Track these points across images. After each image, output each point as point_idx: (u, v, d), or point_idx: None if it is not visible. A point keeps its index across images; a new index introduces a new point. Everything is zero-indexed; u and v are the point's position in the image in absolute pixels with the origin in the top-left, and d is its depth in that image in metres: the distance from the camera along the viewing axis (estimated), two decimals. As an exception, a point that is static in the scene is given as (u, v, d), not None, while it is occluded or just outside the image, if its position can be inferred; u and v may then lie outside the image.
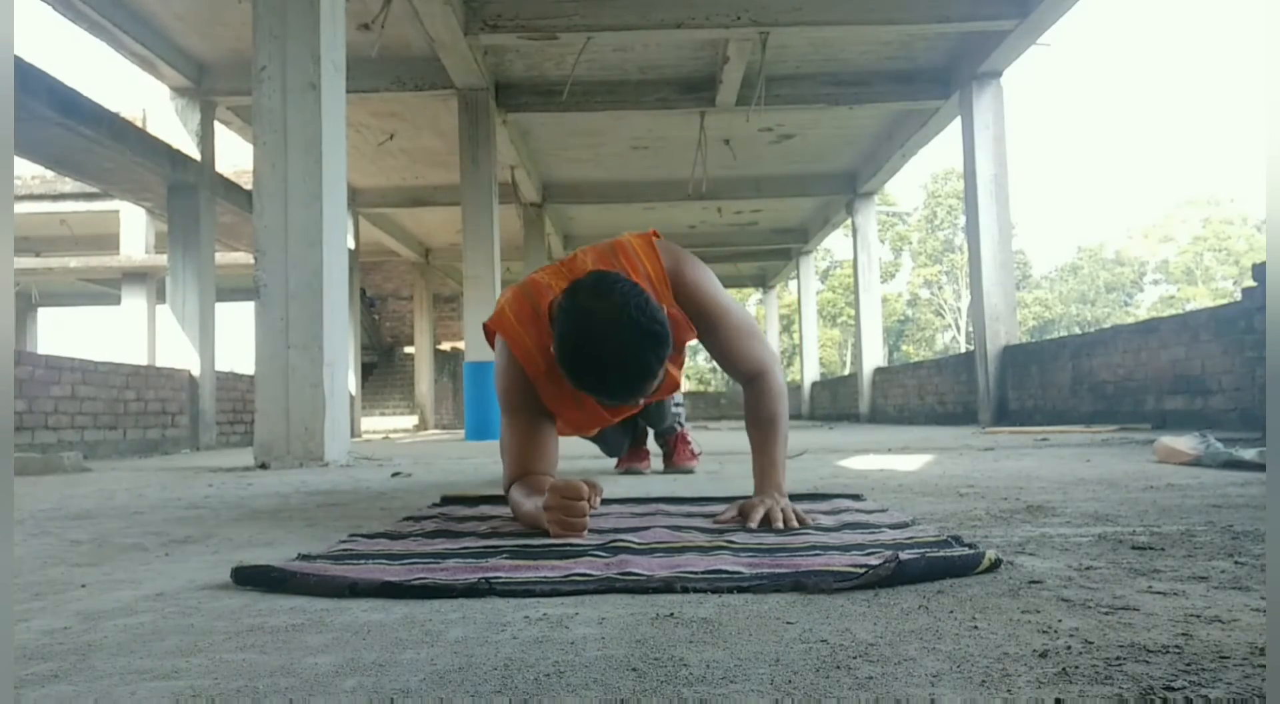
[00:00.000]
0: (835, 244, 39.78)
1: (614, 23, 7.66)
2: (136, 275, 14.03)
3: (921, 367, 11.74)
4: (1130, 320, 24.72)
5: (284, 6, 4.48)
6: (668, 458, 3.16)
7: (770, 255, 18.39)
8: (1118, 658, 0.73)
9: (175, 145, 8.57)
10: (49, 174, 12.63)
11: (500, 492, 2.26)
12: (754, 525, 1.50)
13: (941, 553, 1.15)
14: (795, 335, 26.31)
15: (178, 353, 8.63)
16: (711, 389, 36.32)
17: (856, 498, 1.95)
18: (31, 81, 6.42)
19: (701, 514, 1.71)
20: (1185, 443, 2.90)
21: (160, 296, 13.67)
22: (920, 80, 9.47)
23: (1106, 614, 0.89)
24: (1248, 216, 41.33)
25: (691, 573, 1.10)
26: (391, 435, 13.24)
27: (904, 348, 41.60)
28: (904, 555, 1.10)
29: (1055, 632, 0.82)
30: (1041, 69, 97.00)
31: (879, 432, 8.17)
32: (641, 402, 2.09)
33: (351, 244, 12.95)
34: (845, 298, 36.82)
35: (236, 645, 0.85)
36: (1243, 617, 0.86)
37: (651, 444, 3.24)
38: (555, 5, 7.59)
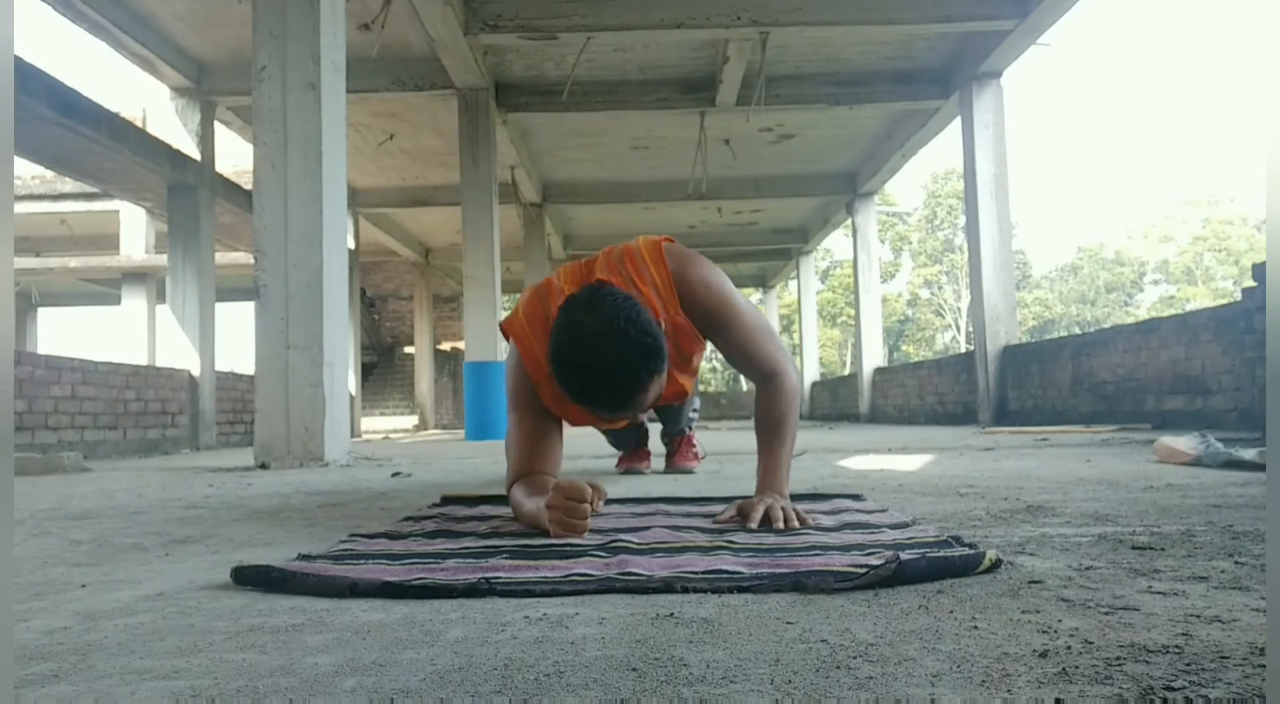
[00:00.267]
0: (835, 244, 39.81)
1: (614, 23, 7.66)
2: (136, 275, 14.03)
3: (921, 366, 11.74)
4: (1130, 320, 24.72)
5: (284, 6, 4.48)
6: (670, 458, 3.17)
7: (770, 255, 18.40)
8: (1118, 658, 0.73)
9: (175, 145, 8.57)
10: (49, 174, 12.63)
11: (501, 492, 2.26)
12: (754, 525, 1.50)
13: (941, 553, 1.15)
14: (795, 335, 26.30)
15: (178, 353, 8.63)
16: (712, 389, 36.31)
17: (856, 498, 1.95)
18: (31, 81, 6.42)
19: (701, 514, 1.71)
20: (1185, 443, 2.90)
21: (160, 296, 13.68)
22: (920, 80, 9.47)
23: (1106, 614, 0.89)
24: (1248, 216, 41.34)
25: (691, 573, 1.10)
26: (391, 435, 13.24)
27: (904, 348, 41.60)
28: (904, 555, 1.10)
29: (1055, 632, 0.82)
30: (1041, 69, 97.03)
31: (879, 431, 8.17)
32: (640, 415, 2.09)
33: (351, 244, 12.96)
34: (845, 298, 36.82)
35: (236, 645, 0.85)
36: (1243, 617, 0.86)
37: (653, 444, 3.24)
38: (555, 5, 7.59)
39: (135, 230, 13.66)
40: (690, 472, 3.08)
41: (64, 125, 6.86)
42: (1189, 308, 22.18)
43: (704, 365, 43.05)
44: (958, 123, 9.19)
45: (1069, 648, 0.77)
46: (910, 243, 41.58)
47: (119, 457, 6.72)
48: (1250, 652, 0.74)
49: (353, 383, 13.03)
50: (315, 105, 4.45)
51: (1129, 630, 0.82)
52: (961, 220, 35.85)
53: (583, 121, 10.06)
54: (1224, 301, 12.39)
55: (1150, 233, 45.12)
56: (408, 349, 19.85)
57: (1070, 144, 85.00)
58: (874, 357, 13.81)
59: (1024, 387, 8.19)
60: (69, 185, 12.97)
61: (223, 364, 9.82)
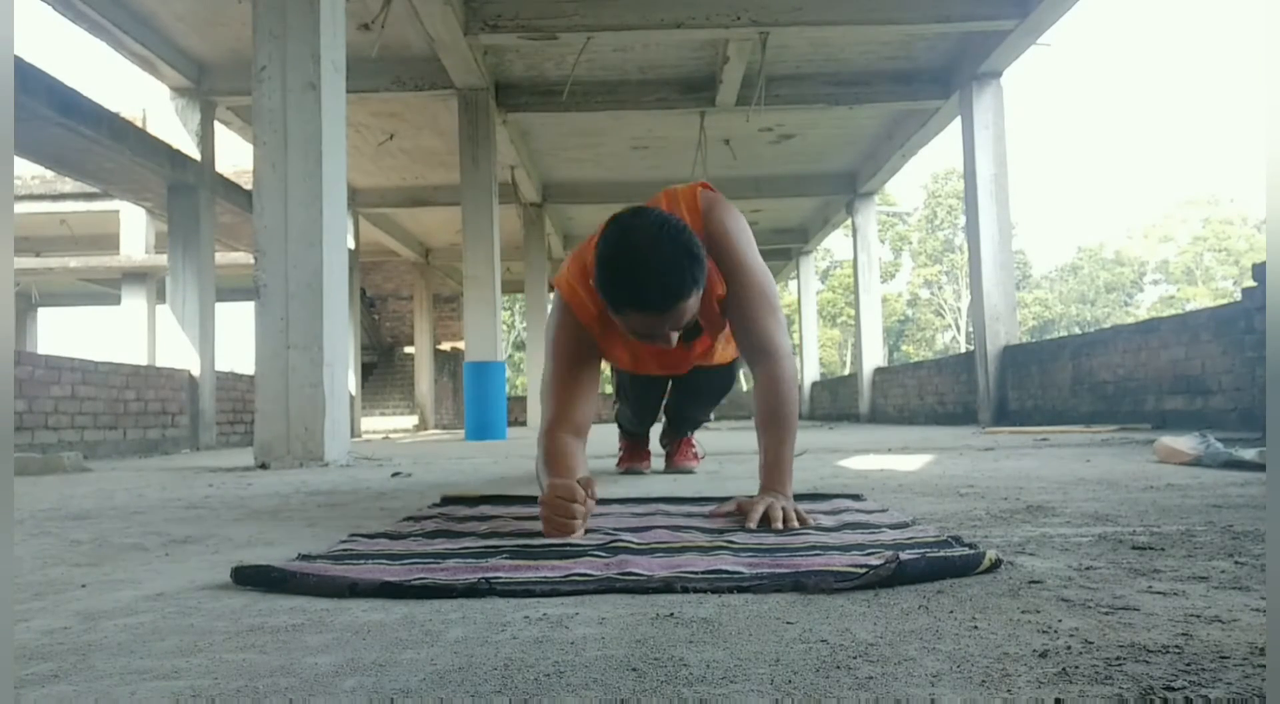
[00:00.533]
0: (835, 244, 39.81)
1: (614, 23, 7.66)
2: (136, 275, 14.03)
3: (921, 367, 11.74)
4: (1130, 320, 24.71)
5: (284, 6, 4.48)
6: (669, 458, 3.17)
7: (770, 255, 18.38)
8: (1118, 658, 0.73)
9: (175, 145, 8.57)
10: (49, 174, 12.63)
11: (501, 491, 2.26)
12: (753, 525, 1.50)
13: (941, 553, 1.15)
14: (795, 335, 26.30)
15: (178, 353, 8.63)
16: (711, 389, 36.22)
17: (857, 498, 1.95)
18: (31, 81, 6.42)
19: (701, 514, 1.71)
20: (1185, 443, 2.90)
21: (160, 296, 13.68)
22: (920, 80, 9.47)
23: (1106, 614, 0.89)
24: (1248, 216, 41.34)
25: (691, 573, 1.10)
26: (391, 435, 13.24)
27: (904, 348, 41.60)
28: (904, 555, 1.10)
29: (1055, 632, 0.82)
30: (1041, 69, 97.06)
31: (879, 431, 8.17)
32: (687, 353, 2.19)
33: (351, 244, 12.95)
34: (845, 298, 36.82)
35: (236, 645, 0.85)
36: (1243, 617, 0.86)
37: (653, 445, 3.25)
38: (555, 5, 7.59)
39: (135, 230, 13.67)
40: (690, 471, 3.09)
41: (64, 125, 6.86)
42: (1189, 308, 22.19)
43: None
44: (958, 123, 9.19)
45: (1069, 648, 0.77)
46: (910, 243, 41.58)
47: (119, 457, 6.72)
48: (1250, 652, 0.74)
49: (353, 383, 13.03)
50: (315, 105, 4.45)
51: (1129, 630, 0.82)
52: (961, 220, 35.84)
53: (583, 121, 10.07)
54: (1224, 301, 12.39)
55: (1150, 233, 45.12)
56: (408, 349, 19.85)
57: (1070, 144, 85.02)
58: (874, 357, 13.81)
59: (1024, 387, 8.19)
60: (69, 185, 12.97)
61: (223, 364, 9.82)
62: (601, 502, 1.96)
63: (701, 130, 10.16)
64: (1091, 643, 0.78)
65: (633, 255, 1.58)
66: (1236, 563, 1.14)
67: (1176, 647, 0.76)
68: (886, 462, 3.53)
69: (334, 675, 0.74)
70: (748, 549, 1.27)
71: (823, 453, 4.36)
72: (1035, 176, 76.87)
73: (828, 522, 1.55)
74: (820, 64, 9.21)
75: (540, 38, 7.81)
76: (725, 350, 2.43)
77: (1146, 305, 43.32)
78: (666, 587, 1.05)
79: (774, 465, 1.69)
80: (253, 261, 4.50)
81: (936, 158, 56.44)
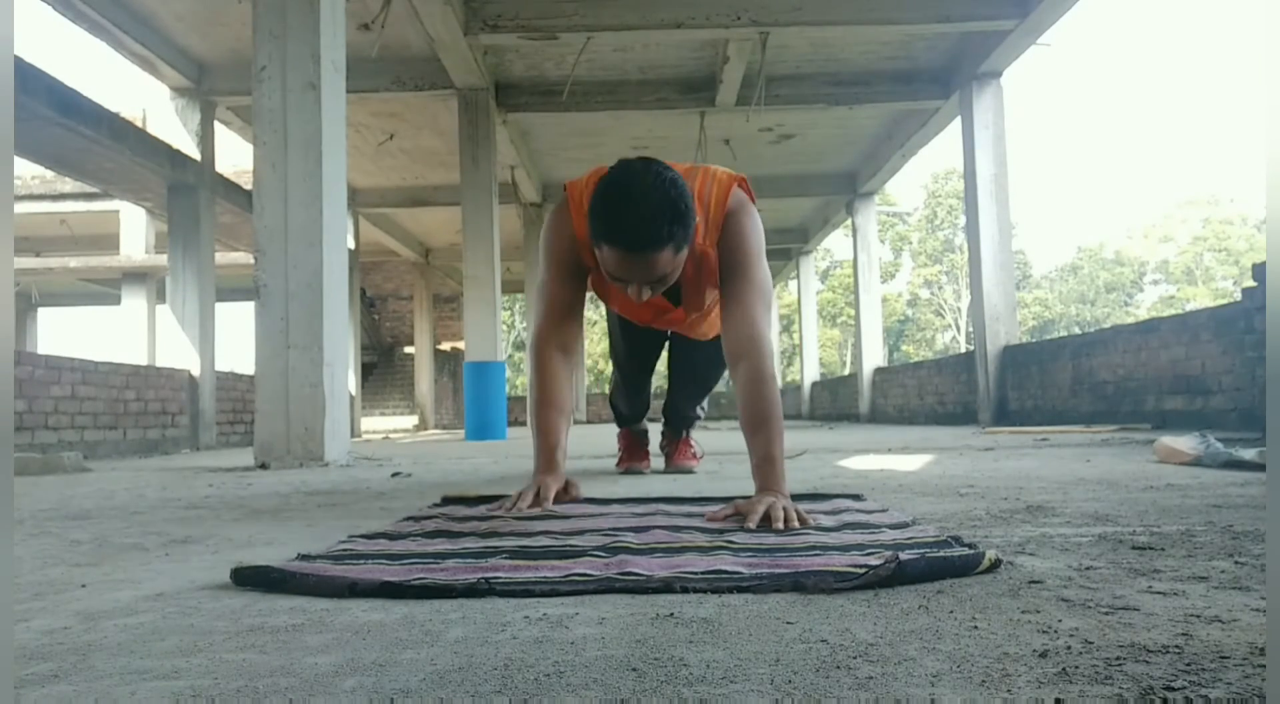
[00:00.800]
0: (835, 244, 39.80)
1: (614, 23, 7.67)
2: (136, 275, 14.03)
3: (921, 367, 11.74)
4: (1130, 320, 24.71)
5: (284, 6, 4.48)
6: (669, 458, 3.17)
7: (770, 255, 18.04)
8: (1118, 658, 0.73)
9: (175, 145, 8.57)
10: (49, 174, 12.63)
11: (501, 491, 2.26)
12: (753, 525, 1.50)
13: (941, 553, 1.15)
14: (795, 335, 26.29)
15: (178, 353, 8.63)
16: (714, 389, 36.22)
17: (857, 498, 1.95)
18: (31, 81, 6.42)
19: (701, 514, 1.71)
20: (1185, 443, 2.90)
21: (160, 296, 13.67)
22: (920, 80, 9.47)
23: (1106, 614, 0.89)
24: (1248, 216, 41.34)
25: (691, 573, 1.10)
26: (391, 435, 13.24)
27: (904, 348, 41.60)
28: (904, 556, 1.10)
29: (1055, 632, 0.82)
30: (1041, 69, 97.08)
31: (879, 431, 8.17)
32: (663, 310, 2.26)
33: (351, 244, 12.95)
34: (845, 298, 36.81)
35: (236, 645, 0.85)
36: (1243, 617, 0.86)
37: (653, 446, 3.25)
38: (555, 5, 7.59)
39: (135, 230, 13.66)
40: (690, 471, 3.09)
41: (64, 125, 6.86)
42: (1189, 308, 22.19)
43: (704, 365, 43.05)
44: (958, 123, 9.19)
45: (1069, 648, 0.77)
46: (910, 243, 41.58)
47: (119, 457, 6.72)
48: (1250, 652, 0.74)
49: (353, 383, 13.03)
50: (315, 105, 4.45)
51: (1129, 630, 0.82)
52: (961, 220, 35.83)
53: (583, 121, 10.07)
54: (1224, 301, 12.39)
55: (1150, 233, 45.13)
56: (408, 349, 19.85)
57: (1070, 144, 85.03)
58: (874, 357, 13.81)
59: (1024, 387, 8.19)
60: (69, 185, 12.97)
61: (223, 364, 9.82)
62: (601, 502, 1.96)
63: (701, 130, 10.16)
64: (1091, 643, 0.78)
65: (621, 193, 1.66)
66: (1236, 563, 1.14)
67: (1176, 647, 0.76)
68: (886, 462, 3.53)
69: (334, 675, 0.74)
70: (747, 549, 1.27)
71: (823, 453, 4.36)
72: (1035, 176, 76.93)
73: (828, 522, 1.55)
74: (820, 64, 9.21)
75: (540, 38, 7.82)
76: (716, 324, 2.45)
77: (1146, 305, 43.33)
78: (666, 587, 1.05)
79: (767, 465, 1.69)
80: (253, 261, 4.50)
81: (936, 158, 56.48)
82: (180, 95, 8.89)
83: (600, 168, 1.98)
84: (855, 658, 0.76)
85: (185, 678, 0.74)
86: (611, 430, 4.71)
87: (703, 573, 1.10)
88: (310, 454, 4.30)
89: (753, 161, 12.26)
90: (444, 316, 21.00)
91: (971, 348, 10.35)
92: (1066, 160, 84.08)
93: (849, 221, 13.95)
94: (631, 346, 2.81)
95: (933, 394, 10.93)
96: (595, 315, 30.77)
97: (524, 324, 26.15)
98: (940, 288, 41.07)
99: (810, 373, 18.91)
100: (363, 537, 1.51)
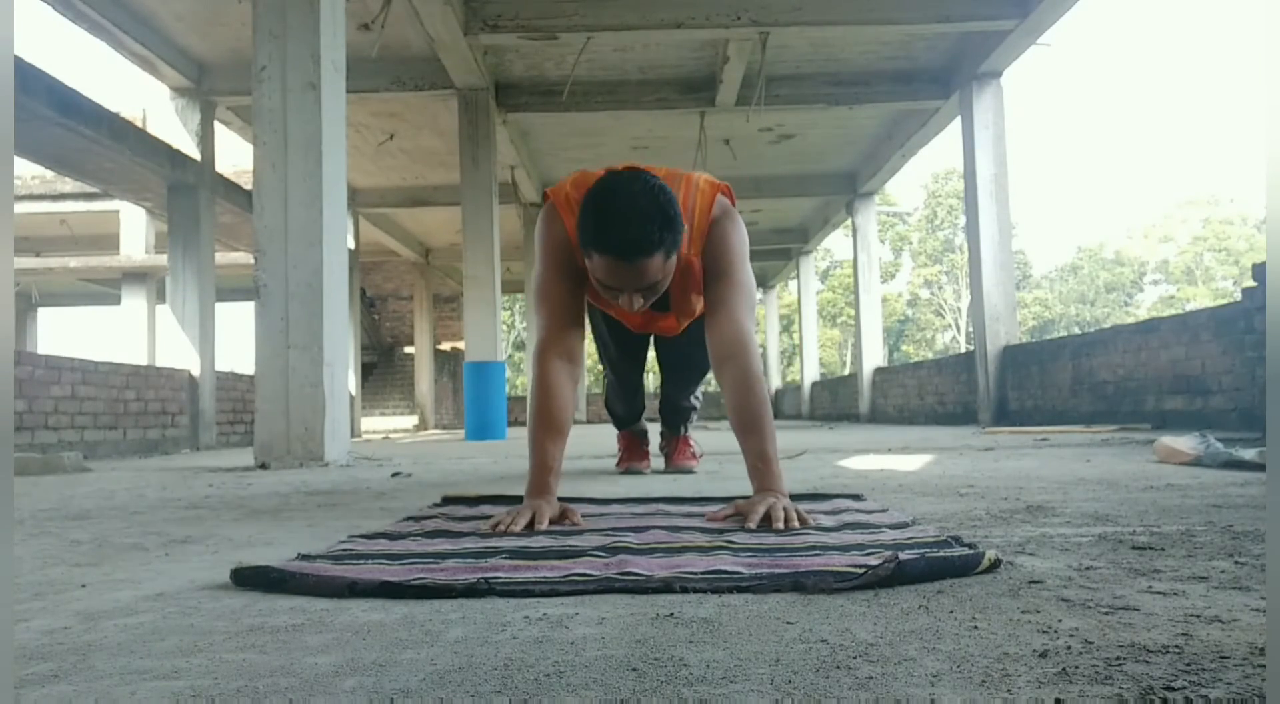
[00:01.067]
0: (835, 244, 39.81)
1: (614, 23, 7.66)
2: (136, 275, 14.02)
3: (921, 366, 11.74)
4: (1130, 320, 24.71)
5: (284, 6, 4.48)
6: (669, 458, 3.17)
7: (770, 255, 18.39)
8: (1118, 658, 0.73)
9: (175, 145, 8.56)
10: (49, 174, 12.63)
11: (501, 491, 2.26)
12: (753, 525, 1.50)
13: (941, 553, 1.15)
14: (795, 335, 26.30)
15: (178, 353, 8.63)
16: (712, 388, 36.26)
17: (857, 498, 1.95)
18: (31, 81, 6.42)
19: (701, 514, 1.71)
20: (1185, 443, 2.90)
21: (160, 296, 13.67)
22: (920, 80, 9.47)
23: (1106, 614, 0.89)
24: (1248, 216, 41.34)
25: (691, 573, 1.10)
26: (391, 435, 13.24)
27: (904, 348, 41.60)
28: (904, 555, 1.10)
29: (1055, 632, 0.82)
30: (1041, 69, 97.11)
31: (879, 431, 8.17)
32: (651, 317, 2.24)
33: (351, 244, 12.95)
34: (845, 298, 36.81)
35: (236, 645, 0.85)
36: (1243, 617, 0.86)
37: (654, 447, 3.25)
38: (555, 5, 7.59)
39: (135, 230, 13.66)
40: (691, 471, 3.09)
41: (64, 125, 6.86)
42: (1189, 308, 22.20)
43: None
44: (958, 123, 9.19)
45: (1069, 648, 0.77)
46: (910, 243, 41.58)
47: (119, 457, 6.72)
48: (1250, 652, 0.74)
49: (353, 383, 13.03)
50: (315, 105, 4.45)
51: (1129, 630, 0.82)
52: (961, 220, 35.83)
53: (583, 121, 10.06)
54: (1224, 301, 12.39)
55: (1150, 233, 45.13)
56: (408, 349, 19.84)
57: (1070, 144, 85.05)
58: (874, 357, 13.81)
59: (1024, 387, 8.19)
60: (69, 185, 12.97)
61: (223, 364, 9.83)
62: (601, 502, 1.97)
63: (701, 130, 10.16)
64: (1091, 643, 0.78)
65: (610, 202, 1.66)
66: (1236, 563, 1.14)
67: (1176, 647, 0.76)
68: (886, 462, 3.53)
69: (334, 675, 0.74)
70: (747, 549, 1.27)
71: (823, 453, 4.36)
72: (1035, 176, 76.94)
73: (828, 522, 1.55)
74: (820, 64, 9.21)
75: (540, 38, 7.81)
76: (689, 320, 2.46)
77: (1146, 305, 43.32)
78: (666, 587, 1.05)
79: (763, 465, 1.69)
80: (253, 261, 4.50)
81: (936, 158, 56.49)
82: (180, 95, 8.89)
83: (581, 173, 1.99)
84: (855, 658, 0.76)
85: (185, 678, 0.74)
86: (611, 430, 4.71)
87: (703, 573, 1.10)
88: (310, 454, 4.30)
89: (753, 161, 12.26)
90: (444, 316, 21.00)
91: (971, 348, 10.35)
92: (1066, 160, 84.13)
93: (849, 221, 13.95)
94: (622, 347, 2.84)
95: (933, 394, 10.93)
96: (595, 315, 30.65)
97: (524, 324, 26.17)
98: (940, 288, 41.07)
99: (810, 373, 18.91)
100: (363, 537, 1.51)
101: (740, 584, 1.05)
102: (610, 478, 2.92)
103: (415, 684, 0.71)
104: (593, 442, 6.08)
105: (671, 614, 0.94)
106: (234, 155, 11.78)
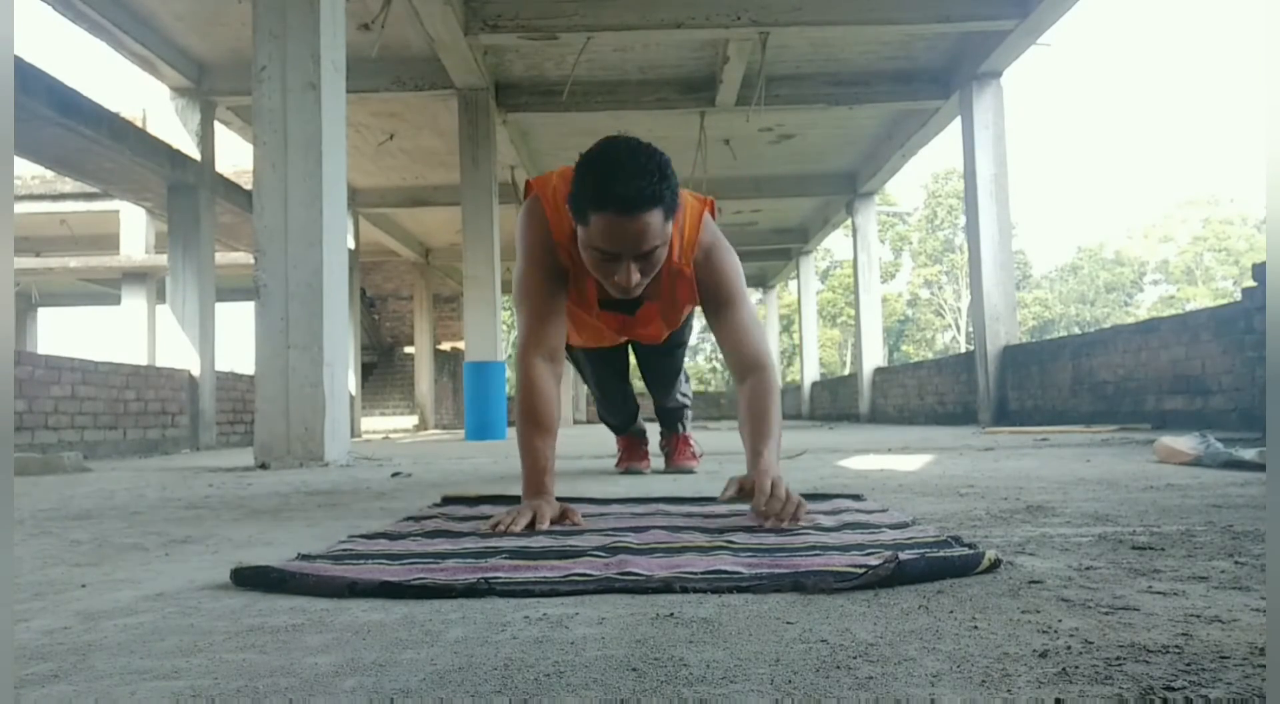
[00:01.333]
0: (835, 244, 39.80)
1: (614, 23, 7.66)
2: (136, 275, 14.02)
3: (921, 366, 11.74)
4: (1130, 320, 24.70)
5: (284, 6, 4.48)
6: (669, 458, 3.17)
7: (770, 255, 18.39)
8: (1118, 658, 0.73)
9: (175, 145, 8.56)
10: (49, 174, 12.63)
11: (501, 491, 2.26)
12: (761, 502, 1.51)
13: (941, 553, 1.15)
14: (795, 335, 26.30)
15: (178, 353, 8.63)
16: (712, 389, 36.29)
17: (857, 498, 1.95)
18: (31, 81, 6.42)
19: (701, 514, 1.71)
20: (1185, 443, 2.90)
21: (160, 296, 13.67)
22: (920, 80, 9.47)
23: (1106, 614, 0.89)
24: (1248, 216, 41.33)
25: (691, 573, 1.10)
26: (391, 435, 13.24)
27: (904, 348, 41.59)
28: (904, 555, 1.10)
29: (1055, 632, 0.82)
30: (1041, 69, 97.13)
31: (879, 431, 8.17)
32: (630, 320, 2.24)
33: (351, 244, 12.95)
34: (845, 298, 36.81)
35: (236, 645, 0.85)
36: (1243, 617, 0.86)
37: (653, 447, 3.25)
38: (555, 5, 7.59)
39: (135, 230, 13.66)
40: (691, 471, 3.09)
41: (64, 125, 6.86)
42: (1189, 308, 22.19)
43: (705, 365, 42.99)
44: (958, 123, 9.19)
45: (1069, 648, 0.77)
46: (910, 243, 41.57)
47: (119, 457, 6.72)
48: (1250, 652, 0.74)
49: (353, 383, 13.02)
50: (315, 105, 4.45)
51: (1129, 630, 0.82)
52: (961, 220, 35.83)
53: (583, 121, 10.06)
54: (1224, 301, 12.39)
55: (1150, 233, 45.13)
56: (408, 349, 19.84)
57: (1070, 144, 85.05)
58: (874, 357, 13.81)
59: (1024, 387, 8.19)
60: (69, 185, 12.97)
61: (223, 364, 9.82)
62: (601, 502, 1.97)
63: (701, 130, 10.16)
64: (1091, 643, 0.78)
65: (608, 159, 1.65)
66: (1236, 563, 1.14)
67: (1176, 647, 0.76)
68: (886, 462, 3.53)
69: (334, 675, 0.74)
70: (747, 549, 1.27)
71: (823, 453, 4.36)
72: (1035, 176, 76.95)
73: (827, 522, 1.55)
74: (820, 64, 9.21)
75: (540, 38, 7.81)
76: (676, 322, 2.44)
77: (1146, 305, 43.32)
78: (666, 587, 1.05)
79: (765, 451, 1.70)
80: (253, 261, 4.50)
81: (936, 158, 56.49)
82: (180, 95, 8.88)
83: (569, 167, 1.97)
84: (855, 658, 0.76)
85: (185, 678, 0.74)
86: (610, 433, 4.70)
87: (703, 573, 1.10)
88: (310, 454, 4.30)
89: (753, 161, 12.25)
90: (444, 316, 21.00)
91: (971, 348, 10.35)
92: (1066, 160, 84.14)
93: (849, 221, 13.95)
94: (599, 367, 2.85)
95: (933, 394, 10.93)
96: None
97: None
98: (940, 288, 41.06)
99: (810, 373, 18.91)
100: (363, 537, 1.51)
101: (740, 584, 1.05)
102: (610, 478, 2.92)
103: (415, 684, 0.71)
104: (593, 442, 6.08)
105: (671, 614, 0.94)
106: (234, 155, 11.78)
